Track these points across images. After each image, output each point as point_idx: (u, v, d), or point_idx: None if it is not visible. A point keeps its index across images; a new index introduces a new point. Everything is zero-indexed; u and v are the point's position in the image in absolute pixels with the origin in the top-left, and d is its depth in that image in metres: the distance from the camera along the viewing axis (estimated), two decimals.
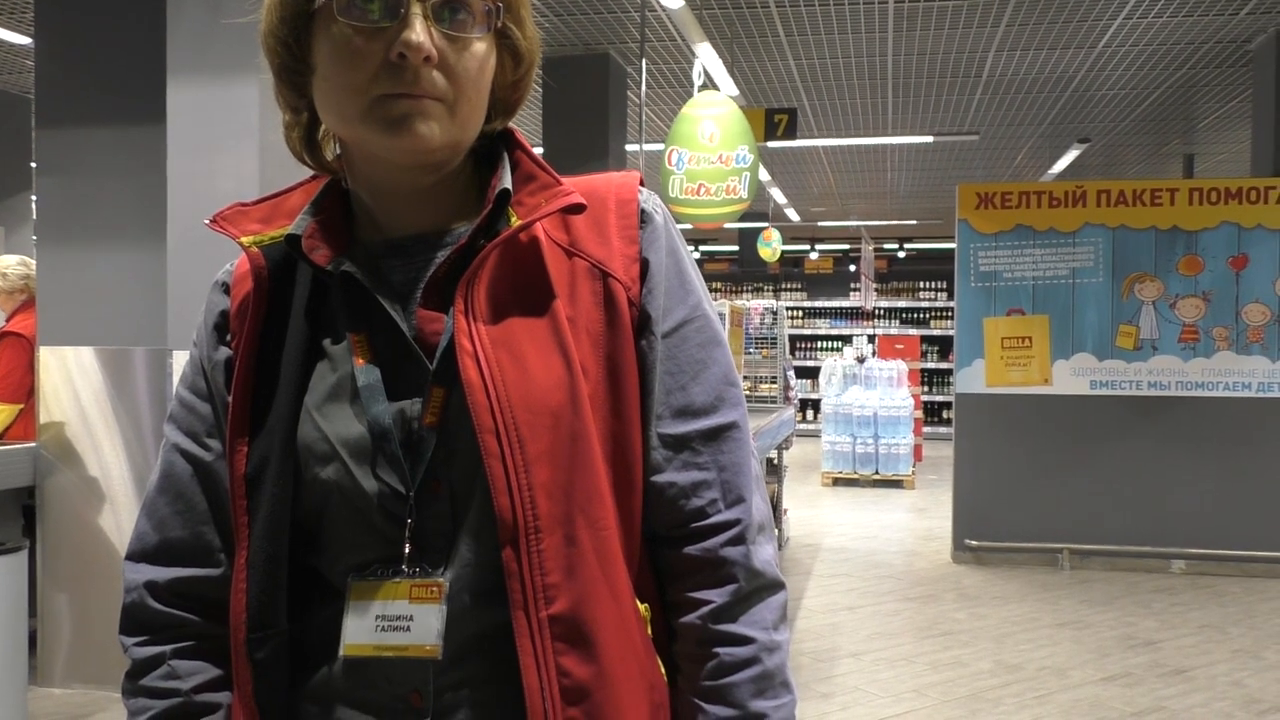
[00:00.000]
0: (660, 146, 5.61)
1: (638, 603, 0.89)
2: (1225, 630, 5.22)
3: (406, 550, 0.85)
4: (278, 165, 3.23)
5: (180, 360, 3.24)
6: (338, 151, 0.94)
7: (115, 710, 3.82)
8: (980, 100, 8.67)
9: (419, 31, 0.80)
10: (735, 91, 6.99)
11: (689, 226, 5.64)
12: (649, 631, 0.91)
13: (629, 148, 7.79)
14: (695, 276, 0.95)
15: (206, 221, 0.93)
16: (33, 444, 4.10)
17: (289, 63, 0.86)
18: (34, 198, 9.62)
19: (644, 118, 5.90)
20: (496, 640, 0.83)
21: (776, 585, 0.91)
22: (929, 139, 9.89)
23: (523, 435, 0.82)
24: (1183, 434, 6.47)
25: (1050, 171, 11.65)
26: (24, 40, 7.19)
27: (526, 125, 9.66)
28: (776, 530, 1.42)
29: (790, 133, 6.65)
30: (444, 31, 0.82)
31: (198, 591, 0.92)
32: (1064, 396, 6.50)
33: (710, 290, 15.56)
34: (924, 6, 6.34)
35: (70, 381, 4.03)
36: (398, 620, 0.83)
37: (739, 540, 0.89)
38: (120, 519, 3.99)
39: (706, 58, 6.29)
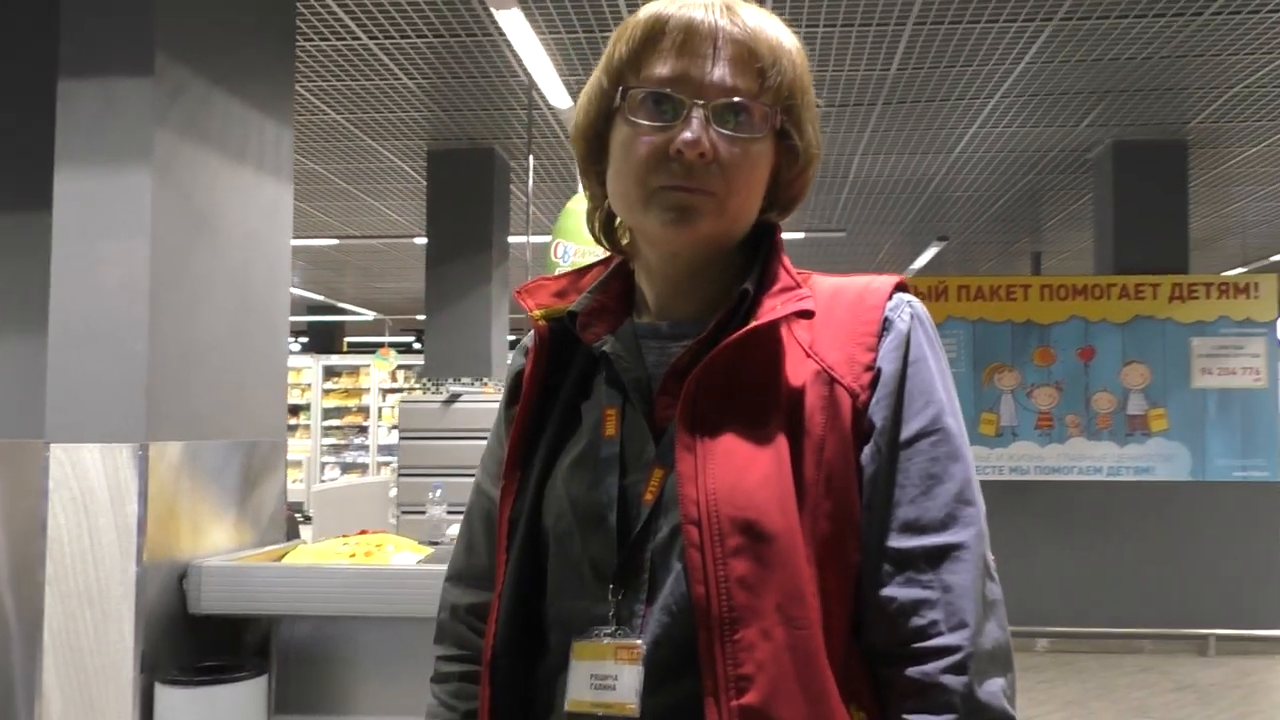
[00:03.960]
0: (547, 239, 5.72)
1: (847, 708, 0.88)
2: (1088, 705, 5.46)
3: (610, 613, 0.91)
4: (169, 257, 3.20)
5: (56, 453, 3.13)
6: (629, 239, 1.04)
7: None
8: (847, 199, 9.12)
9: (696, 131, 0.90)
10: None
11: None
12: None
13: (513, 239, 7.91)
14: (942, 388, 0.94)
15: (516, 291, 1.03)
16: None
17: (591, 155, 0.99)
18: None
19: (530, 212, 6.02)
20: (690, 713, 0.85)
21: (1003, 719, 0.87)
22: (800, 235, 10.31)
23: (724, 529, 0.85)
24: (1042, 516, 6.81)
25: (912, 267, 12.25)
26: None
27: (410, 215, 9.70)
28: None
29: None
30: (722, 132, 0.91)
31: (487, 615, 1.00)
32: None
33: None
34: None
35: None
36: (606, 679, 0.89)
37: (960, 669, 0.86)
38: None
39: None
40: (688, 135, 0.90)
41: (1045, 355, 6.89)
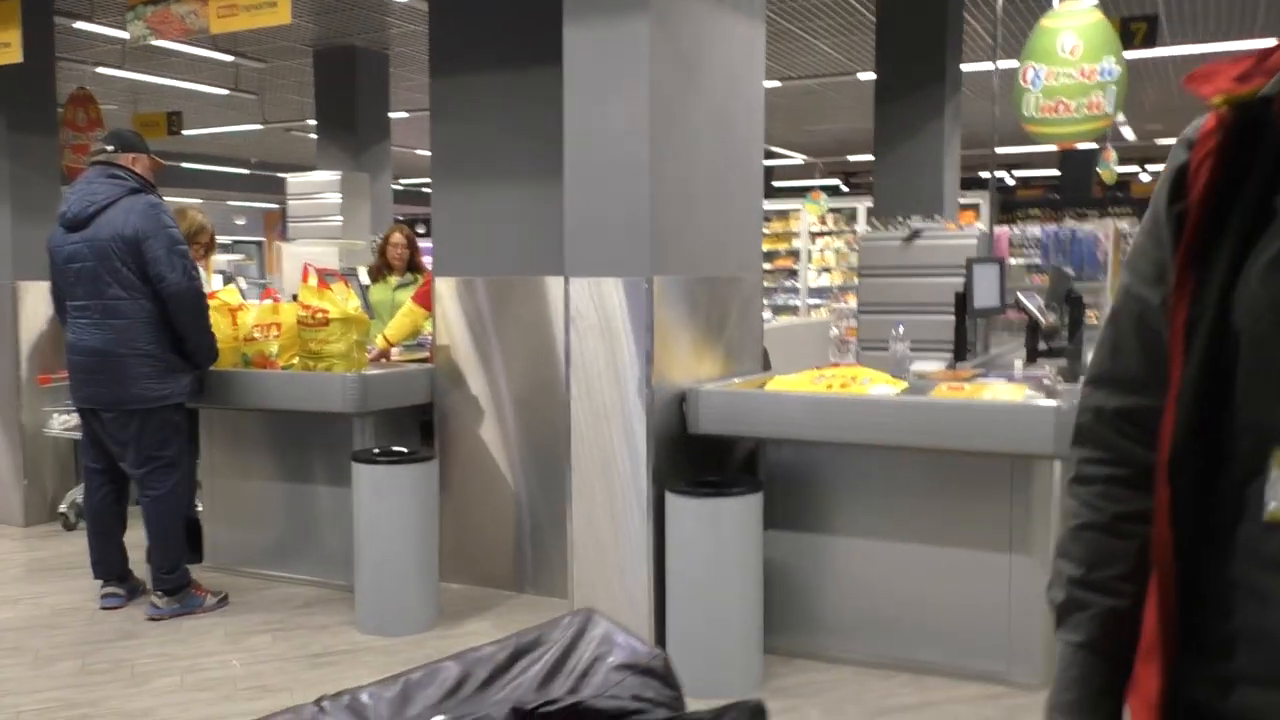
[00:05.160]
0: (1014, 64, 5.34)
1: None
2: None
3: None
4: (665, 102, 3.38)
5: (576, 286, 3.49)
6: None
7: (503, 605, 4.22)
8: None
9: None
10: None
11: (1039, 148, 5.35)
12: None
13: (965, 67, 7.44)
14: None
15: (1186, 78, 0.95)
16: (430, 365, 4.58)
17: None
18: (394, 147, 10.58)
19: (998, 34, 5.63)
20: None
21: None
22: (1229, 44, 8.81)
23: None
24: None
25: None
26: None
27: (851, 50, 9.49)
28: None
29: (1149, 42, 6.15)
30: None
31: (1140, 420, 0.99)
32: None
33: (1029, 218, 14.72)
34: None
35: (459, 308, 4.45)
36: None
37: None
38: (508, 432, 4.38)
39: None
40: None
41: None
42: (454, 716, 0.75)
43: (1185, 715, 0.90)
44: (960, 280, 4.50)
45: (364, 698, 0.77)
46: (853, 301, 12.03)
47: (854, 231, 14.12)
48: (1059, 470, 3.24)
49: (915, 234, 5.08)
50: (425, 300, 4.70)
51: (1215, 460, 0.91)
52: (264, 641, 3.82)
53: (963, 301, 4.46)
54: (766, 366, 4.35)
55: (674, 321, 3.50)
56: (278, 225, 20.14)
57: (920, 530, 3.40)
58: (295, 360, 4.38)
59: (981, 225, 5.77)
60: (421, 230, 5.89)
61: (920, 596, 3.41)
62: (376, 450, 3.97)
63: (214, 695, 3.34)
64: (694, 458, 3.58)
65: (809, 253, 15.63)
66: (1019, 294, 4.05)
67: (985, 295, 4.45)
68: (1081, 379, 3.68)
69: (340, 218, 8.96)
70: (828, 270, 14.82)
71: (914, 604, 3.41)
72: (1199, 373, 0.90)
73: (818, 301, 15.08)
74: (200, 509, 4.76)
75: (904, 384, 3.67)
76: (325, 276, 4.34)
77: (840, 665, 3.48)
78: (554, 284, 4.17)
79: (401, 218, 12.80)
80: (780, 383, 3.74)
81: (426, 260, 5.61)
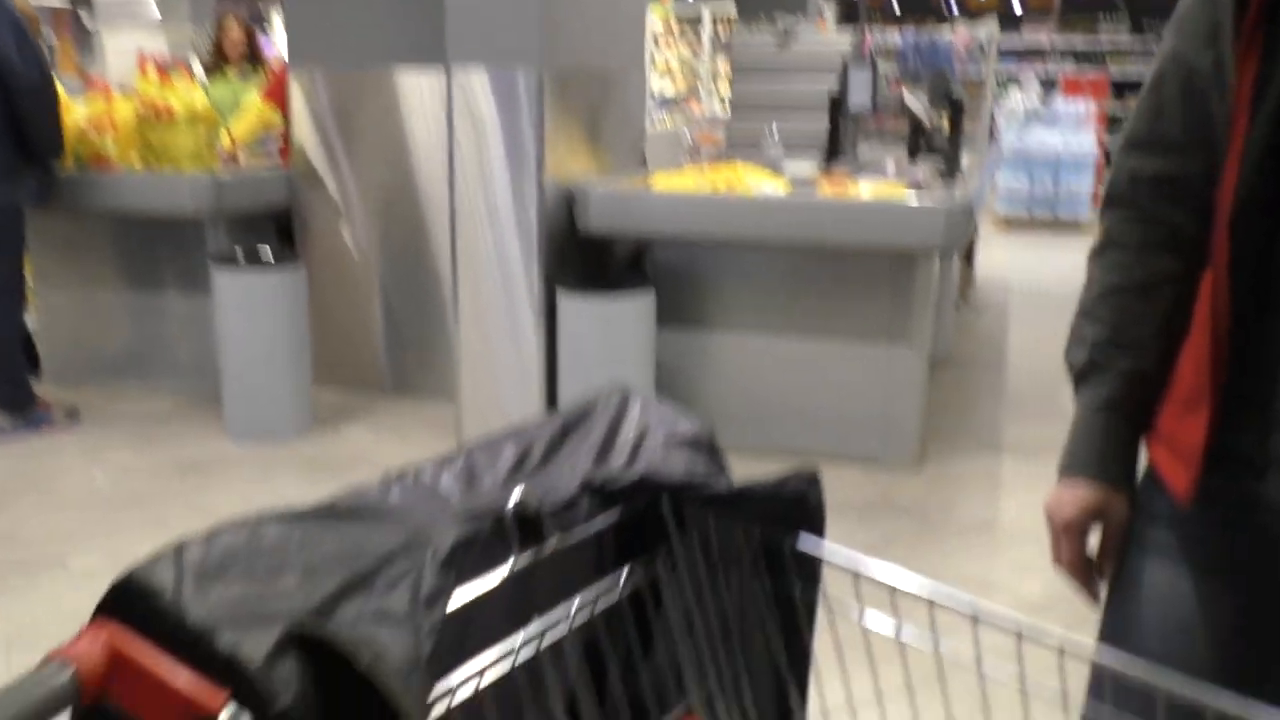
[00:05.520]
0: None
1: None
2: None
3: None
4: None
5: (458, 77, 3.27)
6: None
7: (376, 407, 4.13)
8: None
9: None
10: None
11: None
12: None
13: None
14: None
15: None
16: (284, 168, 4.29)
17: None
18: None
19: None
20: None
21: None
22: None
23: None
24: None
25: None
26: None
27: None
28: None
29: None
30: None
31: (1178, 183, 0.98)
32: None
33: (860, 24, 14.75)
34: None
35: (314, 106, 4.14)
36: None
37: None
38: (369, 233, 4.18)
39: None
40: None
41: None
42: (531, 488, 0.71)
43: (1225, 463, 0.94)
44: (833, 83, 4.47)
45: (426, 477, 0.72)
46: (698, 109, 11.88)
47: (699, 37, 13.83)
48: (938, 266, 3.34)
49: (789, 34, 4.98)
50: (277, 96, 4.35)
51: (1276, 220, 0.90)
52: (125, 455, 3.64)
53: (836, 104, 4.45)
54: (643, 163, 4.27)
55: (563, 116, 3.36)
56: (69, 24, 18.15)
57: (803, 325, 3.47)
58: (135, 160, 4.02)
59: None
60: None
61: (802, 387, 3.51)
62: (240, 253, 3.73)
63: (79, 512, 3.18)
64: (583, 258, 3.51)
65: (652, 58, 15.24)
66: (904, 93, 4.06)
67: (858, 97, 4.44)
68: (958, 175, 3.72)
69: (155, 8, 8.16)
70: (671, 76, 14.55)
71: (796, 394, 3.52)
72: (1268, 129, 0.88)
73: (658, 109, 14.82)
74: (31, 322, 4.41)
75: (787, 183, 3.67)
76: (165, 68, 3.95)
77: (725, 453, 3.59)
78: (412, 78, 3.91)
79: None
80: (666, 182, 3.68)
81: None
